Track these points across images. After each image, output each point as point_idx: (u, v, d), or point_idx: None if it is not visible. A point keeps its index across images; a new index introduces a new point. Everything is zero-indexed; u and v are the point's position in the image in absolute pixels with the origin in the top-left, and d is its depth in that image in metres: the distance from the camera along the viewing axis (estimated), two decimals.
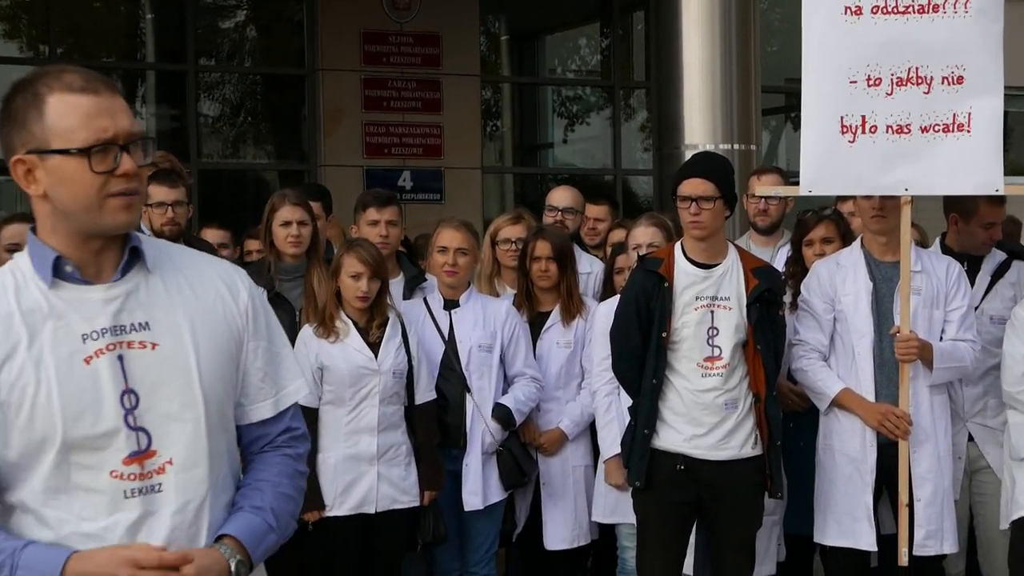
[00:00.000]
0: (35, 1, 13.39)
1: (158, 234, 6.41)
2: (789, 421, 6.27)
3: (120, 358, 2.87)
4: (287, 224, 6.35)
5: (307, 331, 6.12)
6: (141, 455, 2.86)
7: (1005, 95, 5.84)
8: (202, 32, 13.71)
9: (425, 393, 6.29)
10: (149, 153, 2.92)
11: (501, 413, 6.48)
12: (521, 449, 6.60)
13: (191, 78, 13.24)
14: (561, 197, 7.91)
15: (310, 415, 5.98)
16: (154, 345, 2.90)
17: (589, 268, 7.46)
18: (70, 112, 2.81)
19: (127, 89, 13.94)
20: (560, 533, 6.78)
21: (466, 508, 6.44)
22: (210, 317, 3.00)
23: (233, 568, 2.91)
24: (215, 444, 2.97)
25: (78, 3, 13.63)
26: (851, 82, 5.92)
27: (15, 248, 5.65)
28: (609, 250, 7.35)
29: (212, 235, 7.89)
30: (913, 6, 5.87)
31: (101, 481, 2.85)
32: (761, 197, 7.23)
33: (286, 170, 13.98)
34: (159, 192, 6.57)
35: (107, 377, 2.85)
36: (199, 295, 3.00)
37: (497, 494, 6.55)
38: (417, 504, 6.19)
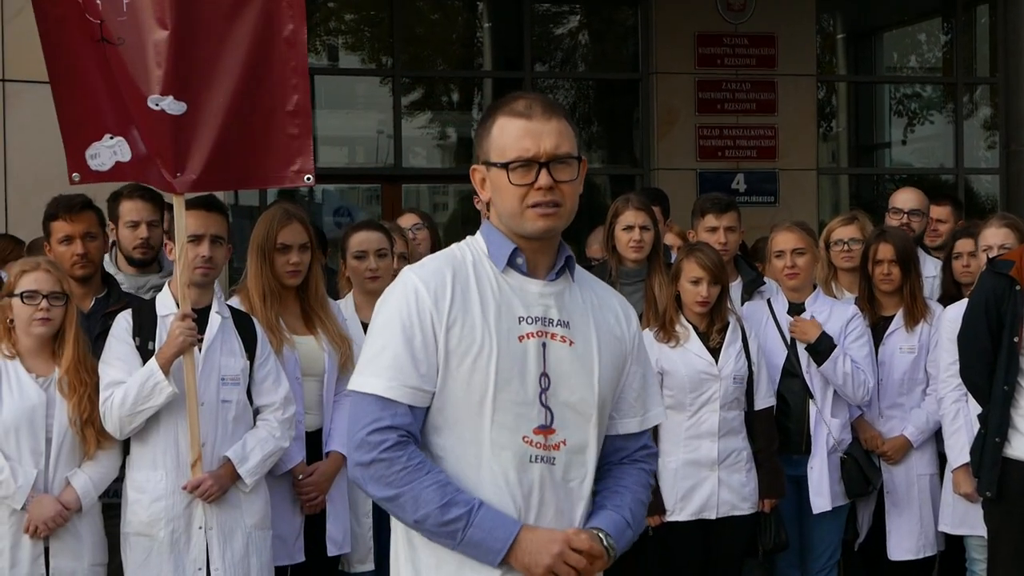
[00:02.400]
0: (378, 15, 13.85)
1: None
2: None
3: (544, 345, 3.31)
4: (629, 228, 6.39)
5: (647, 336, 6.14)
6: (546, 429, 3.29)
7: None
8: (537, 39, 13.91)
9: (765, 399, 6.24)
10: (577, 170, 3.31)
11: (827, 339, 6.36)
12: (865, 457, 6.49)
13: (527, 84, 13.43)
14: (907, 199, 7.71)
15: None
16: (571, 342, 3.34)
17: (934, 271, 7.26)
18: (505, 133, 3.30)
19: (464, 97, 14.29)
20: (905, 543, 6.63)
21: (814, 511, 6.38)
22: (611, 335, 3.43)
23: (604, 542, 3.29)
24: (598, 439, 3.39)
25: (418, 15, 14.02)
26: None
27: (362, 255, 5.95)
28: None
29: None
30: None
31: (516, 442, 3.27)
32: None
33: (618, 174, 14.06)
34: None
35: (532, 357, 3.29)
36: (604, 314, 3.44)
37: (841, 498, 6.46)
38: (757, 511, 6.14)
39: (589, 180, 14.32)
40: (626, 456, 3.50)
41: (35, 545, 5.21)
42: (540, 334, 3.30)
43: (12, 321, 5.31)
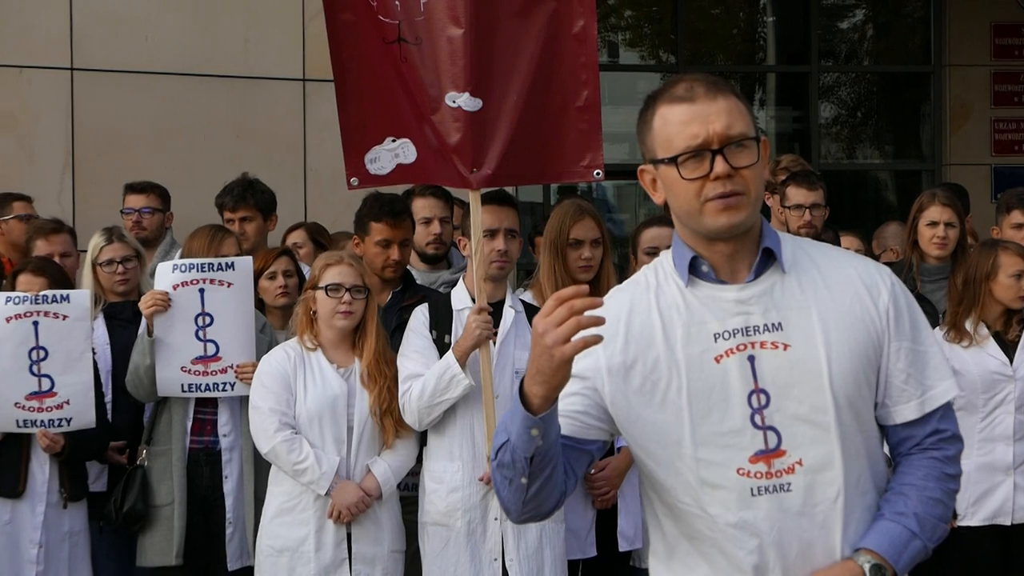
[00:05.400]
0: (660, 11, 13.83)
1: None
2: None
3: (751, 358, 2.90)
4: (933, 224, 6.27)
5: (936, 335, 5.96)
6: (769, 454, 2.87)
7: None
8: (822, 33, 13.69)
9: None
10: (758, 152, 2.89)
11: None
12: None
13: (813, 79, 13.25)
14: None
15: None
16: (786, 346, 2.90)
17: None
18: (667, 122, 2.91)
19: (746, 92, 14.09)
20: None
21: None
22: (846, 319, 2.94)
23: (867, 571, 2.86)
24: (848, 446, 2.91)
25: (700, 11, 13.94)
26: None
27: (654, 251, 5.88)
28: None
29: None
30: None
31: (729, 478, 2.88)
32: None
33: (905, 170, 13.78)
34: (797, 195, 6.63)
35: (736, 376, 2.89)
36: (835, 296, 2.96)
37: None
38: None
39: (874, 176, 14.16)
40: (915, 445, 3.02)
41: (338, 530, 5.37)
42: (743, 347, 2.89)
43: (315, 313, 5.47)
